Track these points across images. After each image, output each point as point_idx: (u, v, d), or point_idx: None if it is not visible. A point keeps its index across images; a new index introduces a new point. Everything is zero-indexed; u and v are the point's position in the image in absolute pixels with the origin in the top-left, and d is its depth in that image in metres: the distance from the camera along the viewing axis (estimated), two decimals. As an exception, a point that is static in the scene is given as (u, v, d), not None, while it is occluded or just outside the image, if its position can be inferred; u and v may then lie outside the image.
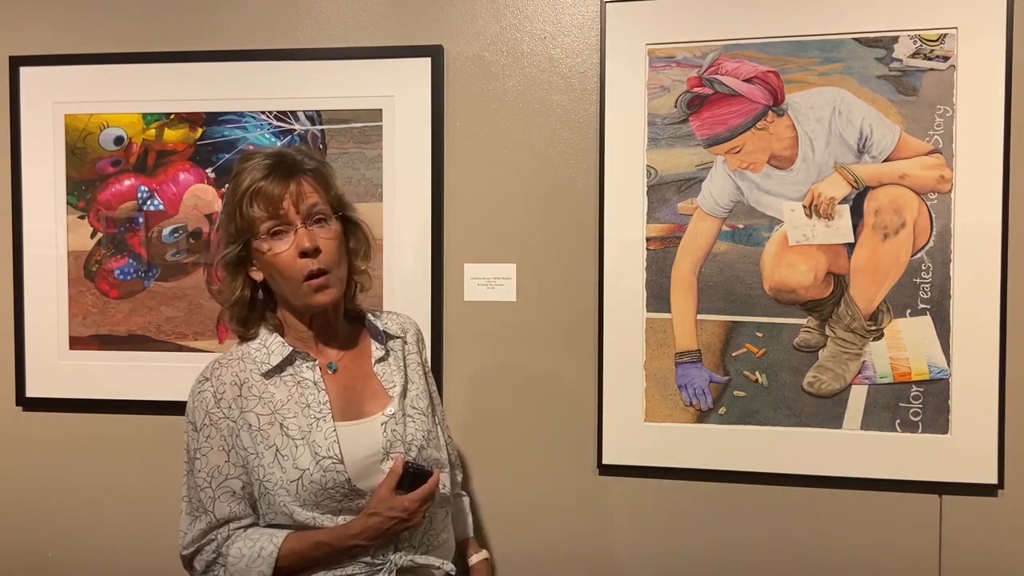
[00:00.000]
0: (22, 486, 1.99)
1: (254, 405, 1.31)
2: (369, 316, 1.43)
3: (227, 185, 1.37)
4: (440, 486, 1.35)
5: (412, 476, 1.29)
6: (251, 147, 1.86)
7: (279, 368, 1.33)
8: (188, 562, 1.33)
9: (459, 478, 1.59)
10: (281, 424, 1.30)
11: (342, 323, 1.41)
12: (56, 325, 1.93)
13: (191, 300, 1.90)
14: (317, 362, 1.35)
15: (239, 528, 1.30)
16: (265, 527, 1.31)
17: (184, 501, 1.33)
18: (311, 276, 1.28)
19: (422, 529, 1.35)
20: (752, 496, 1.74)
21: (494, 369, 1.82)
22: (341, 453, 1.28)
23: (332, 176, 1.37)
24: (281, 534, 1.28)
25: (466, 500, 1.61)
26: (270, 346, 1.34)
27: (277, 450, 1.29)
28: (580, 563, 1.81)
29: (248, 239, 1.30)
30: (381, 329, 1.42)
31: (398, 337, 1.45)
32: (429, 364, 1.53)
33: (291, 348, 1.33)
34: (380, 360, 1.41)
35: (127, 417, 1.93)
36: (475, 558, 1.53)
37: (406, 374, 1.42)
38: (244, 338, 1.38)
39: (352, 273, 1.38)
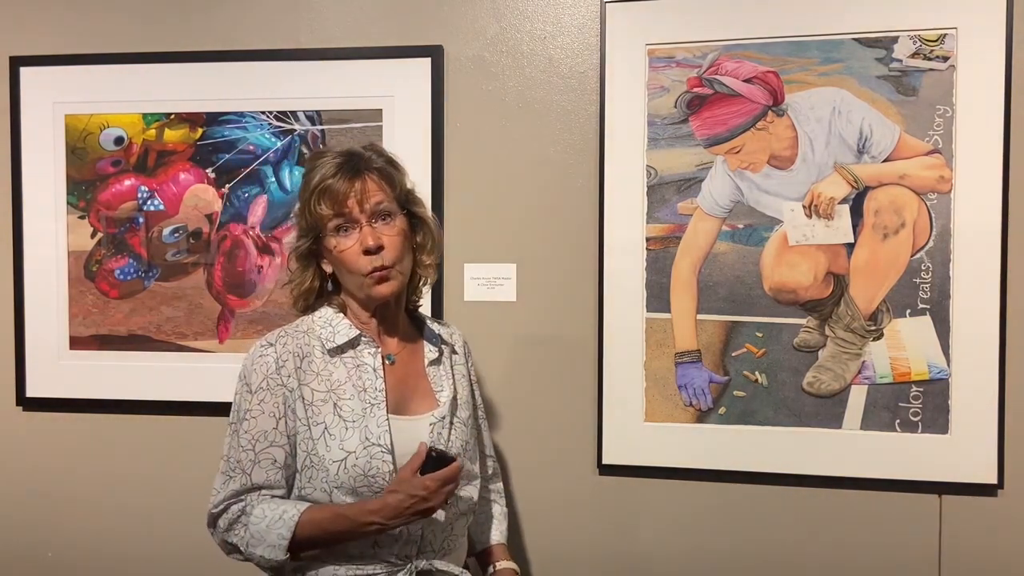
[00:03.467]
0: (22, 486, 1.99)
1: (311, 380, 1.32)
2: (427, 320, 1.48)
3: (302, 179, 1.41)
4: (464, 483, 1.36)
5: (435, 461, 1.28)
6: (251, 147, 1.86)
7: (341, 349, 1.35)
8: (214, 520, 1.33)
9: (499, 487, 1.61)
10: (335, 404, 1.31)
11: (403, 318, 1.43)
12: (56, 325, 1.93)
13: (191, 300, 1.90)
14: (380, 349, 1.37)
15: (269, 496, 1.31)
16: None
17: (222, 460, 1.34)
18: (374, 271, 1.31)
19: (443, 534, 1.36)
20: (752, 496, 1.74)
21: (494, 369, 1.82)
22: (391, 443, 1.30)
23: (400, 172, 1.40)
24: (305, 503, 1.29)
25: (500, 508, 1.59)
26: (336, 326, 1.36)
27: (326, 428, 1.30)
28: (580, 563, 1.81)
29: (318, 234, 1.34)
30: (436, 332, 1.46)
31: (448, 344, 1.48)
32: (476, 376, 1.56)
33: (358, 332, 1.36)
34: (433, 363, 1.43)
35: (127, 417, 1.93)
36: (503, 564, 1.50)
37: (454, 382, 1.44)
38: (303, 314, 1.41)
39: (417, 266, 1.41)
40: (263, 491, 1.30)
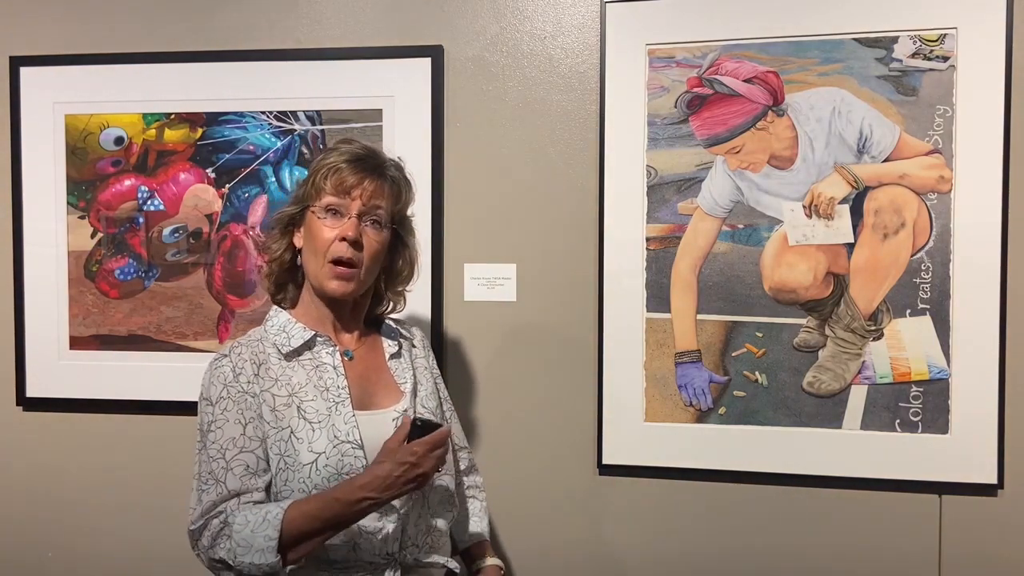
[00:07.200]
0: (22, 486, 1.99)
1: (271, 386, 1.31)
2: (383, 318, 1.49)
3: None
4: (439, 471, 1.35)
5: (420, 430, 1.25)
6: (251, 147, 1.86)
7: (298, 351, 1.35)
8: (195, 538, 1.26)
9: (477, 480, 1.60)
10: (298, 407, 1.30)
11: (359, 320, 1.44)
12: (56, 325, 1.93)
13: (191, 300, 1.90)
14: (337, 348, 1.37)
15: (249, 503, 1.25)
16: None
17: (194, 479, 1.29)
18: (338, 262, 1.31)
19: (425, 529, 1.36)
20: (752, 496, 1.74)
21: (494, 369, 1.82)
22: (361, 439, 1.29)
23: (407, 192, 1.41)
24: (288, 500, 1.24)
25: (480, 504, 1.58)
26: (290, 331, 1.36)
27: (292, 432, 1.29)
28: (580, 563, 1.81)
29: (307, 206, 1.35)
30: (393, 327, 1.48)
31: (407, 338, 1.49)
32: (438, 370, 1.57)
33: (312, 332, 1.36)
34: (393, 356, 1.44)
35: (127, 417, 1.93)
36: (488, 561, 1.49)
37: (415, 375, 1.44)
38: (275, 300, 1.42)
39: (389, 290, 1.44)
40: (241, 497, 1.25)
